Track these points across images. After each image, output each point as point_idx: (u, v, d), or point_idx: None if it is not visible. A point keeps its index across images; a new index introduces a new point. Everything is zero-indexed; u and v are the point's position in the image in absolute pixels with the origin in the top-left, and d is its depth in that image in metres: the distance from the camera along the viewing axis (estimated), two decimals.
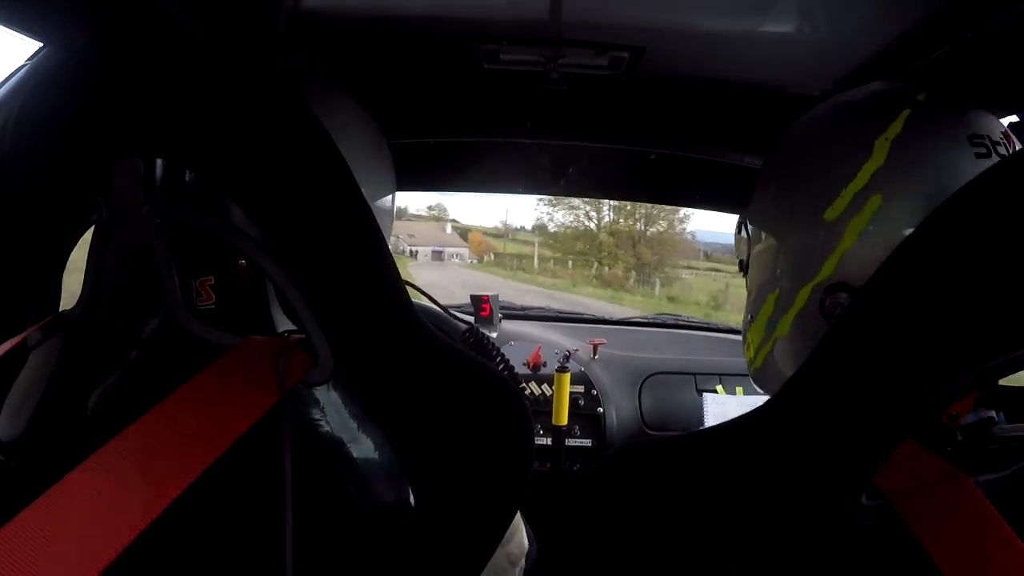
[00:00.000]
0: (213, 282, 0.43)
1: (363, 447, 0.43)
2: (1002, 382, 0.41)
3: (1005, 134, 0.48)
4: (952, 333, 0.35)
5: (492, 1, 0.63)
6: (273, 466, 0.37)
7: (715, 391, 1.32)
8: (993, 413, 0.42)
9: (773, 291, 0.54)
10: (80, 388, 0.41)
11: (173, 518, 0.31)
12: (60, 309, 0.46)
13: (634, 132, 1.01)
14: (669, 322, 1.76)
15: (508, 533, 0.48)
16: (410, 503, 0.43)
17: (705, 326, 1.75)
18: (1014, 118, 0.63)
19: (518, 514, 0.54)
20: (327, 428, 0.42)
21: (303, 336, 0.41)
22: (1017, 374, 0.41)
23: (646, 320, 1.80)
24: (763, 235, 0.56)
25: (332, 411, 0.43)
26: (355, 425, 0.43)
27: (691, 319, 1.83)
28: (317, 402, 0.42)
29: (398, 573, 0.42)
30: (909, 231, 0.43)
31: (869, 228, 0.46)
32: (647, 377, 1.39)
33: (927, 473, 0.37)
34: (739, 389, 1.32)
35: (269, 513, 0.37)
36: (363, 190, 0.64)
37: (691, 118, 0.96)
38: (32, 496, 0.29)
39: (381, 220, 0.68)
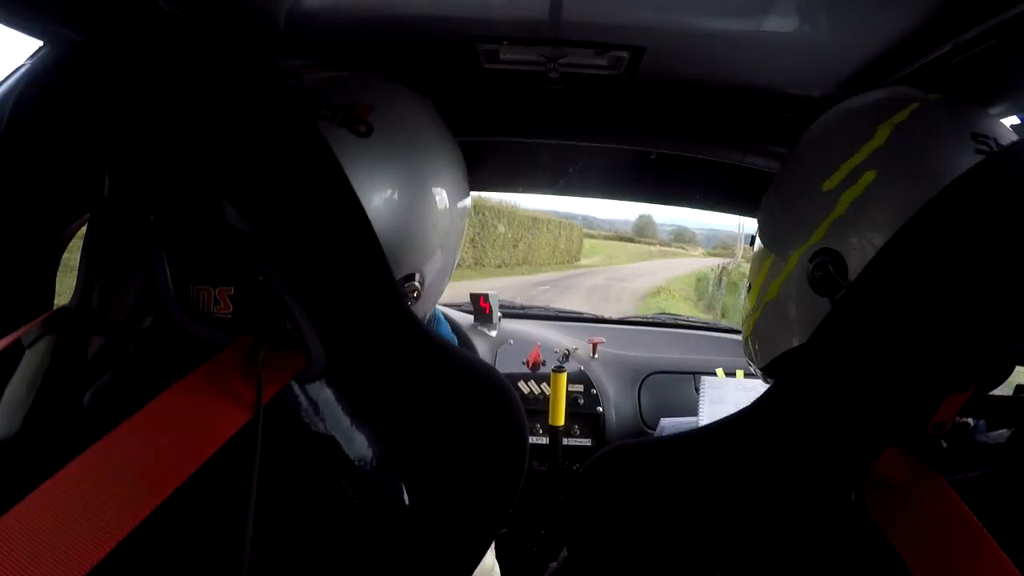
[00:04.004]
0: (232, 292, 0.43)
1: (357, 444, 0.43)
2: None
3: (1017, 141, 0.48)
4: (941, 328, 0.35)
5: (492, 0, 0.63)
6: (262, 466, 0.37)
7: (714, 374, 1.32)
8: (971, 421, 0.43)
9: (768, 257, 0.57)
10: (75, 385, 0.41)
11: (162, 516, 0.31)
12: (54, 307, 0.46)
13: (634, 132, 1.01)
14: (668, 321, 1.77)
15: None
16: (404, 501, 0.43)
17: (705, 325, 1.75)
18: (1015, 119, 0.63)
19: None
20: (321, 425, 0.42)
21: (293, 334, 0.41)
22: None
23: (645, 319, 1.80)
24: (771, 207, 0.59)
25: (326, 408, 0.43)
26: (348, 422, 0.43)
27: (691, 319, 1.83)
28: (311, 399, 0.42)
29: (392, 569, 0.42)
30: (898, 206, 0.45)
31: (861, 199, 0.48)
32: (646, 376, 1.39)
33: (900, 472, 0.38)
34: (739, 372, 1.33)
35: (255, 513, 0.37)
36: (445, 190, 0.63)
37: (691, 118, 0.96)
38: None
39: (461, 220, 0.67)
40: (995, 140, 0.47)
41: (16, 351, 0.43)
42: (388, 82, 0.62)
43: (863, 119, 0.51)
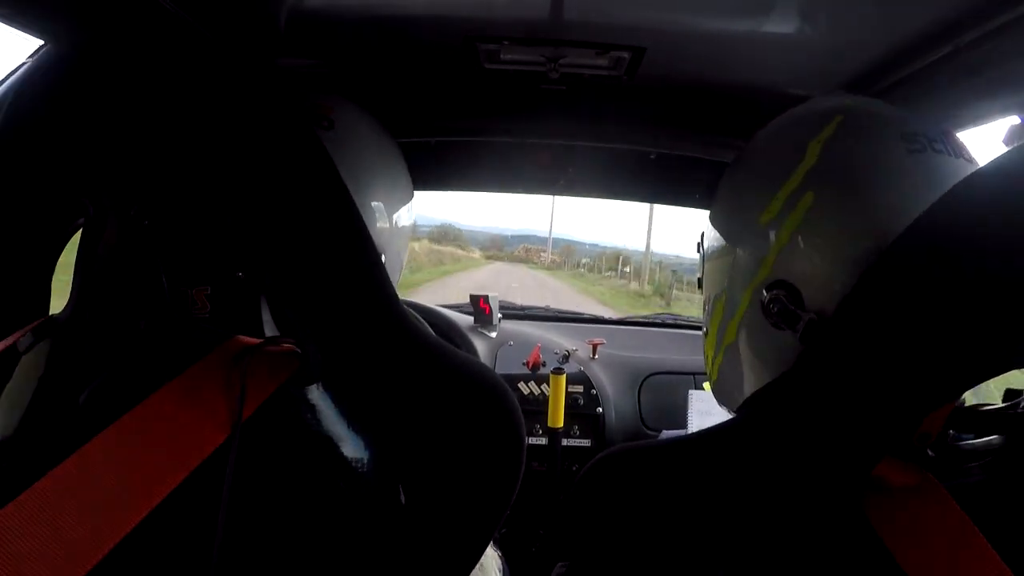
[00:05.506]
0: (209, 292, 0.43)
1: (355, 446, 0.43)
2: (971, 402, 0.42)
3: (944, 132, 0.48)
4: (928, 348, 0.35)
5: (492, 0, 0.63)
6: (255, 469, 0.37)
7: (702, 388, 1.31)
8: (953, 431, 0.43)
9: (721, 299, 0.55)
10: (70, 388, 0.41)
11: (155, 517, 0.31)
12: (50, 309, 0.46)
13: (634, 132, 1.01)
14: (669, 322, 1.77)
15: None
16: (401, 502, 0.43)
17: None
18: (1015, 119, 0.63)
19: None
20: (319, 427, 0.42)
21: (286, 339, 0.41)
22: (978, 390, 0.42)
23: (646, 320, 1.80)
24: (714, 247, 0.57)
25: (324, 410, 0.43)
26: (347, 424, 0.43)
27: (691, 319, 1.83)
28: (308, 401, 0.42)
29: (389, 570, 0.42)
30: (841, 224, 0.45)
31: (803, 225, 0.47)
32: (646, 377, 1.39)
33: (897, 477, 0.38)
34: None
35: (252, 514, 0.37)
36: (387, 202, 0.66)
37: (691, 118, 0.96)
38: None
39: (403, 232, 0.70)
40: (925, 136, 0.46)
41: (12, 354, 0.43)
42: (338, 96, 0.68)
43: (792, 140, 0.50)
